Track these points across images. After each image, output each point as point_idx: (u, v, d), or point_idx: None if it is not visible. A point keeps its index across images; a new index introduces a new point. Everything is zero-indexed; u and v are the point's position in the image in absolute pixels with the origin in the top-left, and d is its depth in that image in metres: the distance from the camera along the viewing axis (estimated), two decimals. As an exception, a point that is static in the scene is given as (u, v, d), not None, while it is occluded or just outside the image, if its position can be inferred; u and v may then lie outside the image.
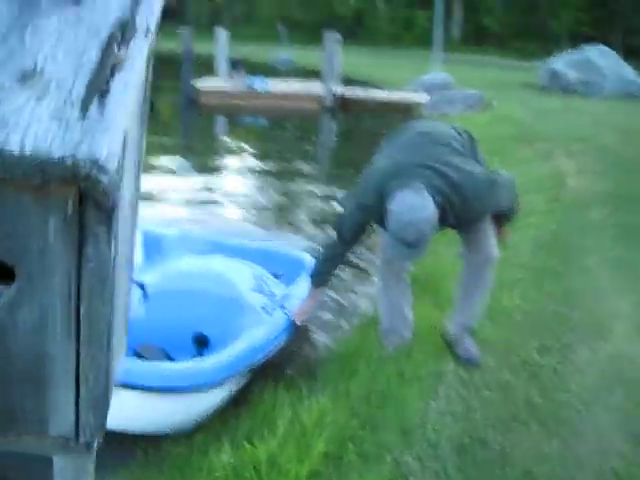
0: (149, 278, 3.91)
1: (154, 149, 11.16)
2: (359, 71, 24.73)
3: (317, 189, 8.73)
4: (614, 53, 19.69)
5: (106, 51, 0.64)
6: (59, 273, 0.64)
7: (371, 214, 3.16)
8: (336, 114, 16.28)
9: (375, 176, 3.13)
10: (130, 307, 0.95)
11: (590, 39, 25.48)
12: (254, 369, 3.32)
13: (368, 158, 3.38)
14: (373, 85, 20.38)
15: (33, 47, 0.63)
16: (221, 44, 19.15)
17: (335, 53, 17.10)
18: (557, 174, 8.18)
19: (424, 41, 30.58)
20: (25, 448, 0.73)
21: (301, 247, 5.27)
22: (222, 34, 19.00)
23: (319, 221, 7.08)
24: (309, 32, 35.80)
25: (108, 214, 0.63)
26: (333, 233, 3.33)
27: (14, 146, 0.58)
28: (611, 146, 9.99)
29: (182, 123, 16.44)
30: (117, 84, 0.63)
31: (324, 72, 16.37)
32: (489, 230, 3.38)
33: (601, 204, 6.70)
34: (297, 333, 3.67)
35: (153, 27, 0.70)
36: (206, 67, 19.60)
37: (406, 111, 14.97)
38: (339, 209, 3.36)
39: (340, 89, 17.39)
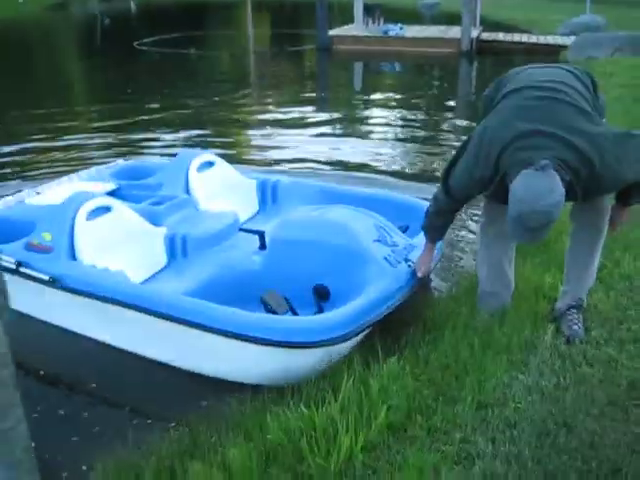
0: (265, 228, 3.92)
1: (290, 100, 11.15)
2: (509, 13, 23.38)
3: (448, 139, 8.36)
4: None
5: None
6: None
7: (484, 185, 2.83)
8: (473, 58, 15.45)
9: (492, 146, 2.72)
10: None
11: None
12: (376, 323, 3.18)
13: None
14: (522, 28, 19.16)
15: None
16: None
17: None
18: None
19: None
20: None
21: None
22: (360, -21, 18.45)
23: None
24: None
25: None
26: (442, 186, 3.02)
27: None
28: None
29: (317, 71, 16.25)
30: None
31: (463, 15, 15.49)
32: (605, 200, 2.96)
33: None
34: (420, 286, 3.51)
35: None
36: (346, 14, 19.23)
37: (548, 54, 13.94)
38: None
39: (478, 32, 16.48)
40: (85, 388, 3.37)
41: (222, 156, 4.90)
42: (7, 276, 3.62)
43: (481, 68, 15.01)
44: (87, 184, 4.85)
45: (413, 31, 17.44)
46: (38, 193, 4.75)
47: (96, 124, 9.49)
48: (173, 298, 3.24)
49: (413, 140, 8.43)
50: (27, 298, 3.76)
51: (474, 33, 16.06)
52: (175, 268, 3.95)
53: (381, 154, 7.74)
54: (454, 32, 16.69)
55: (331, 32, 17.09)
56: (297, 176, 5.56)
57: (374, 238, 3.49)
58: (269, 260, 3.65)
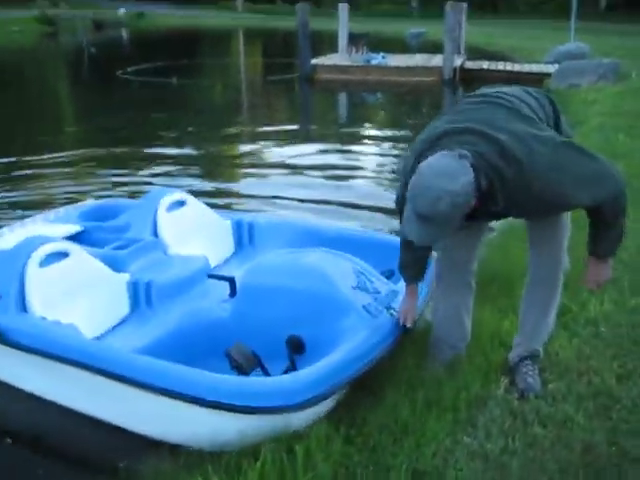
0: (238, 272, 3.56)
1: (272, 134, 10.95)
2: (494, 42, 23.47)
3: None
4: None
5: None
6: None
7: None
8: (457, 86, 15.36)
9: (416, 144, 2.54)
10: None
11: None
12: (353, 381, 2.78)
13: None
14: (507, 56, 19.19)
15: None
16: (342, 20, 18.56)
17: (457, 23, 16.11)
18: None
19: (566, 11, 28.58)
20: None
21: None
22: (344, 9, 18.40)
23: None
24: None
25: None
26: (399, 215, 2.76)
27: None
28: None
29: (301, 101, 16.13)
30: None
31: (445, 43, 15.42)
32: (561, 230, 2.71)
33: None
34: (405, 337, 3.10)
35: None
36: (330, 44, 19.17)
37: (532, 82, 13.82)
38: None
39: (461, 61, 16.42)
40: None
41: (196, 191, 4.65)
42: None
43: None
44: (51, 226, 4.56)
45: (396, 60, 17.36)
46: None
47: (67, 155, 9.20)
48: (118, 354, 2.94)
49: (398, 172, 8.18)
50: None
51: (457, 61, 16.00)
52: (137, 318, 3.63)
53: (366, 188, 7.50)
54: (437, 60, 16.65)
55: (313, 61, 17.01)
56: (278, 213, 5.32)
57: (353, 285, 3.16)
58: (239, 309, 3.32)
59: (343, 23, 18.65)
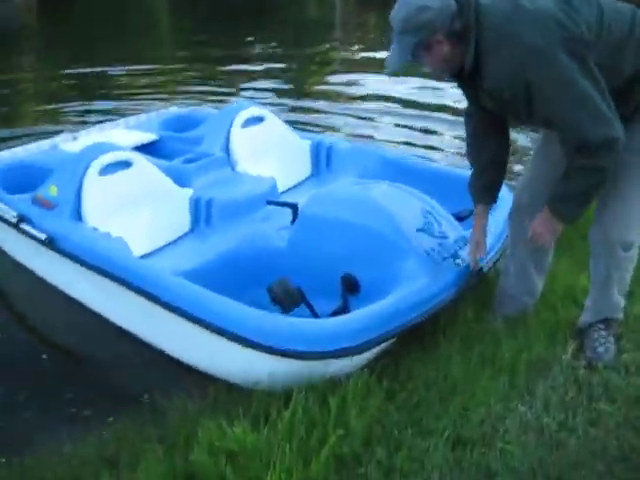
0: (303, 199, 3.27)
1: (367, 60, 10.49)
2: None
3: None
4: None
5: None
6: None
7: None
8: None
9: None
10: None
11: None
12: (404, 330, 2.53)
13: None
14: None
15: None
16: None
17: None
18: None
19: None
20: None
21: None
22: None
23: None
24: None
25: None
26: None
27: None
28: None
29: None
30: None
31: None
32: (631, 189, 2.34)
33: None
34: (471, 285, 2.79)
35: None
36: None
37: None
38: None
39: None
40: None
41: (279, 104, 4.39)
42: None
43: None
44: (128, 132, 4.48)
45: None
46: (75, 138, 4.42)
47: (155, 66, 9.14)
48: (158, 277, 2.80)
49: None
50: (27, 251, 3.50)
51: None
52: (193, 237, 3.50)
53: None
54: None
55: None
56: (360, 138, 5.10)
57: (418, 226, 2.86)
58: (295, 238, 3.12)
59: None
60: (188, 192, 3.57)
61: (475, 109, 2.50)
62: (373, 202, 2.96)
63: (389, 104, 7.29)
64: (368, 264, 2.82)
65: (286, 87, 8.12)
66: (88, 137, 4.40)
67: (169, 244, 3.44)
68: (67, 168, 3.36)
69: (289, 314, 2.52)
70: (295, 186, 4.14)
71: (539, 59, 2.06)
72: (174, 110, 5.06)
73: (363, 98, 7.59)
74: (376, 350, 2.48)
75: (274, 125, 4.20)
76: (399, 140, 6.03)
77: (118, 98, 7.39)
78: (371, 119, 6.72)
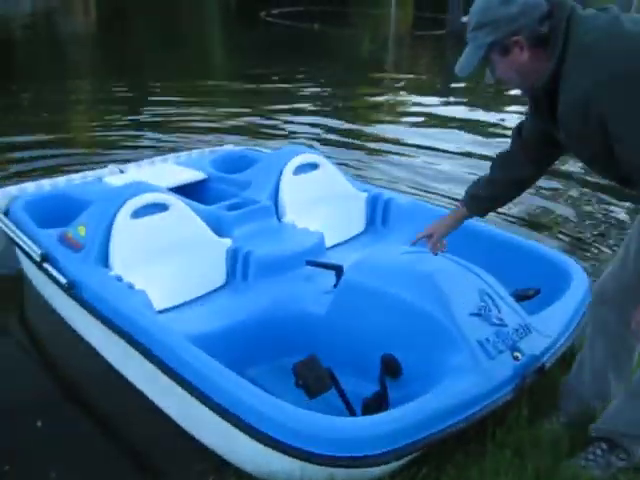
0: (353, 257, 2.92)
1: (412, 88, 10.28)
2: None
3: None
4: None
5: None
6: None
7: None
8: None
9: None
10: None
11: None
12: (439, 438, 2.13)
13: None
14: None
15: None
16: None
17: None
18: None
19: None
20: None
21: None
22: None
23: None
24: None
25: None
26: None
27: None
28: None
29: (445, 60, 15.21)
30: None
31: None
32: None
33: None
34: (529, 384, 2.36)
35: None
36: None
37: None
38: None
39: None
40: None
41: (330, 134, 4.14)
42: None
43: None
44: (176, 169, 4.30)
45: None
46: (122, 171, 4.26)
47: (205, 89, 9.21)
48: (172, 344, 2.47)
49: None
50: (50, 290, 3.30)
51: None
52: (226, 293, 3.22)
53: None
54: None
55: (464, 18, 15.95)
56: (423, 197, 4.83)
57: (472, 310, 2.46)
58: (335, 306, 2.77)
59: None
60: (226, 242, 3.29)
61: (532, 134, 2.20)
62: (424, 277, 2.59)
63: (448, 154, 6.75)
64: (412, 347, 2.46)
65: (344, 129, 7.74)
66: (136, 171, 4.25)
67: (200, 297, 3.16)
68: (98, 207, 3.15)
69: (315, 399, 2.20)
70: (346, 241, 3.82)
71: (631, 87, 1.70)
72: (227, 148, 4.86)
73: (421, 147, 7.02)
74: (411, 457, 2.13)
75: (328, 173, 3.90)
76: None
77: (171, 130, 7.34)
78: (430, 171, 6.16)
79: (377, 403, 2.33)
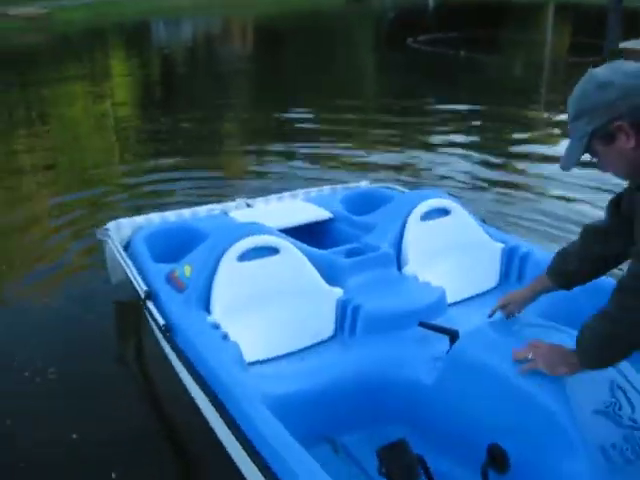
0: (480, 316, 2.53)
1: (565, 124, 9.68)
2: None
3: None
4: None
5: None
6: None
7: None
8: None
9: None
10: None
11: None
12: None
13: None
14: None
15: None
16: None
17: None
18: None
19: None
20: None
21: None
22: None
23: None
24: None
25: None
26: None
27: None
28: None
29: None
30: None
31: None
32: None
33: None
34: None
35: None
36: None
37: None
38: None
39: None
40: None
41: (481, 191, 3.87)
42: None
43: None
44: (303, 206, 4.18)
45: None
46: (249, 205, 4.22)
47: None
48: (249, 409, 2.23)
49: None
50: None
51: None
52: (332, 347, 2.96)
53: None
54: None
55: (622, 44, 14.99)
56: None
57: (599, 407, 2.03)
58: (442, 378, 2.41)
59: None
60: (337, 292, 3.04)
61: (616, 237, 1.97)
62: None
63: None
64: (523, 442, 2.08)
65: (487, 171, 7.17)
66: (263, 205, 4.19)
67: (302, 350, 2.95)
68: (206, 247, 3.02)
69: None
70: (475, 297, 3.41)
71: None
72: (361, 185, 4.63)
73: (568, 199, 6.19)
74: None
75: (461, 220, 3.51)
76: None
77: (318, 160, 7.42)
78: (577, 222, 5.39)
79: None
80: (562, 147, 1.81)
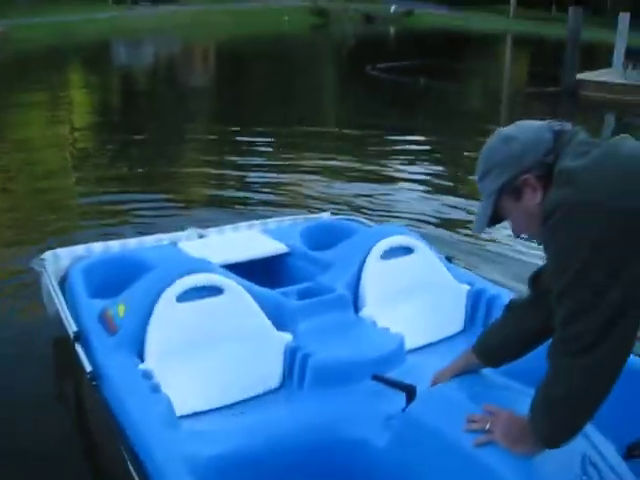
0: (443, 363, 2.24)
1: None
2: None
3: None
4: None
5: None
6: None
7: None
8: None
9: None
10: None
11: None
12: None
13: None
14: None
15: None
16: (621, 31, 16.23)
17: None
18: None
19: None
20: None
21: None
22: (625, 20, 16.09)
23: None
24: None
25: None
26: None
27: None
28: None
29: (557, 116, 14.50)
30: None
31: None
32: None
33: None
34: None
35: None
36: (603, 59, 17.24)
37: None
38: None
39: None
40: None
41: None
42: None
43: None
44: (258, 238, 3.92)
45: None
46: (201, 236, 3.94)
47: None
48: (167, 475, 1.99)
49: None
50: None
51: None
52: (277, 401, 2.70)
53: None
54: None
55: (579, 75, 15.22)
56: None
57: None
58: (395, 440, 2.16)
59: (621, 35, 16.35)
60: (286, 338, 2.79)
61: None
62: None
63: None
64: None
65: (449, 202, 6.93)
66: (217, 236, 3.93)
67: (243, 401, 2.67)
68: (142, 285, 2.75)
69: None
70: (438, 342, 3.17)
71: None
72: (323, 217, 4.38)
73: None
74: None
75: (425, 260, 3.27)
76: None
77: (278, 190, 7.17)
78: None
79: None
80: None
